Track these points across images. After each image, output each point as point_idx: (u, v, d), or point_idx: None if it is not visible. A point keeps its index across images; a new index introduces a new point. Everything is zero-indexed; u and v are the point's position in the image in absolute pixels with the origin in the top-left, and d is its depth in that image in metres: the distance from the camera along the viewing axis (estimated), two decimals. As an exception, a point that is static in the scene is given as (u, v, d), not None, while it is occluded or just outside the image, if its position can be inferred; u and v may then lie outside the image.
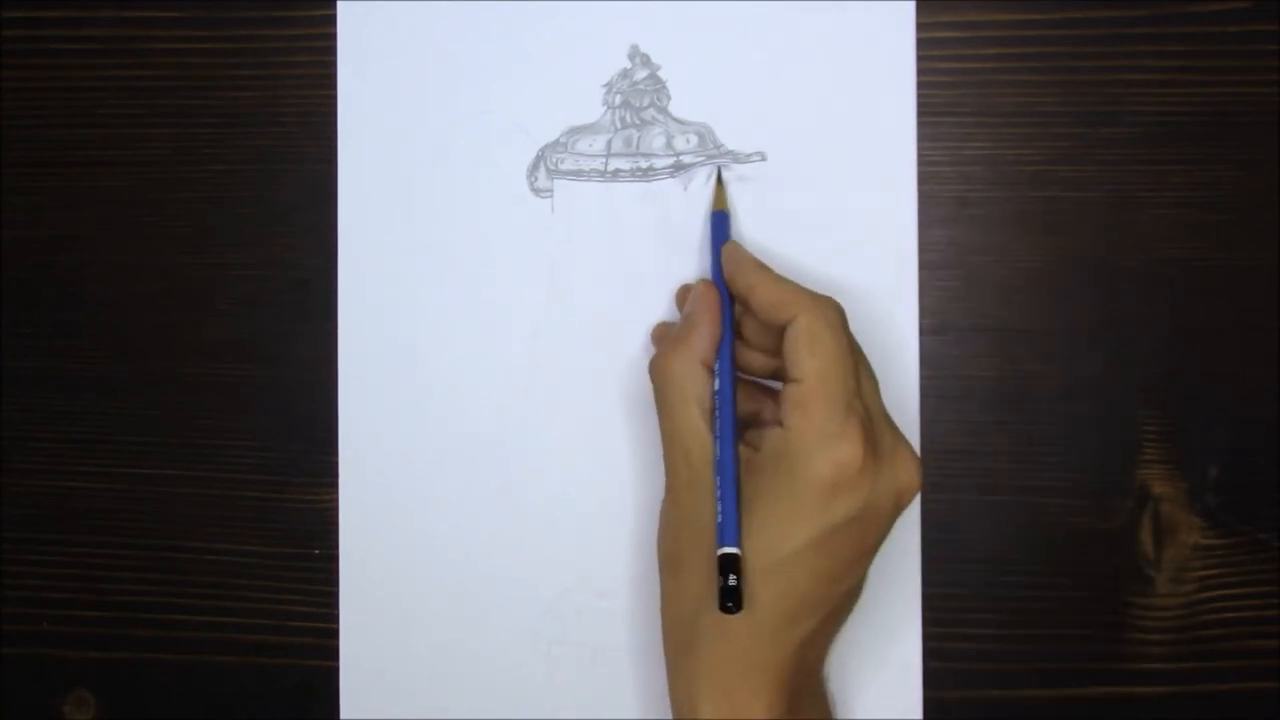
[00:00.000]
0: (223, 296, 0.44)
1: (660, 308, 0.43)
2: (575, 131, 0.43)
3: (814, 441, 0.34)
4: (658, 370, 0.38)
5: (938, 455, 0.42)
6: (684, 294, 0.41)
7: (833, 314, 0.36)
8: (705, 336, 0.38)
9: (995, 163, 0.43)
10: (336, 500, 0.44)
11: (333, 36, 0.44)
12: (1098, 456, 0.43)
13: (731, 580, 0.34)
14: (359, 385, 0.44)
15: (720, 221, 0.41)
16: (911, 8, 0.42)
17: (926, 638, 0.42)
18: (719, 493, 0.35)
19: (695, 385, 0.37)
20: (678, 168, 0.43)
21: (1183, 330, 0.42)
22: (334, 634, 0.44)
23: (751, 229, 0.42)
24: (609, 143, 0.43)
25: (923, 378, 0.42)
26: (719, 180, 0.42)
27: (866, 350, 0.38)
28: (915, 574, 0.42)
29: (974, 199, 0.43)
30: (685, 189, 0.43)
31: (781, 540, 0.34)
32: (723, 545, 0.34)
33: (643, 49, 0.43)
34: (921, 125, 0.42)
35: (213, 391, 0.44)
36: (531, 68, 0.43)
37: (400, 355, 0.43)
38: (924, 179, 0.42)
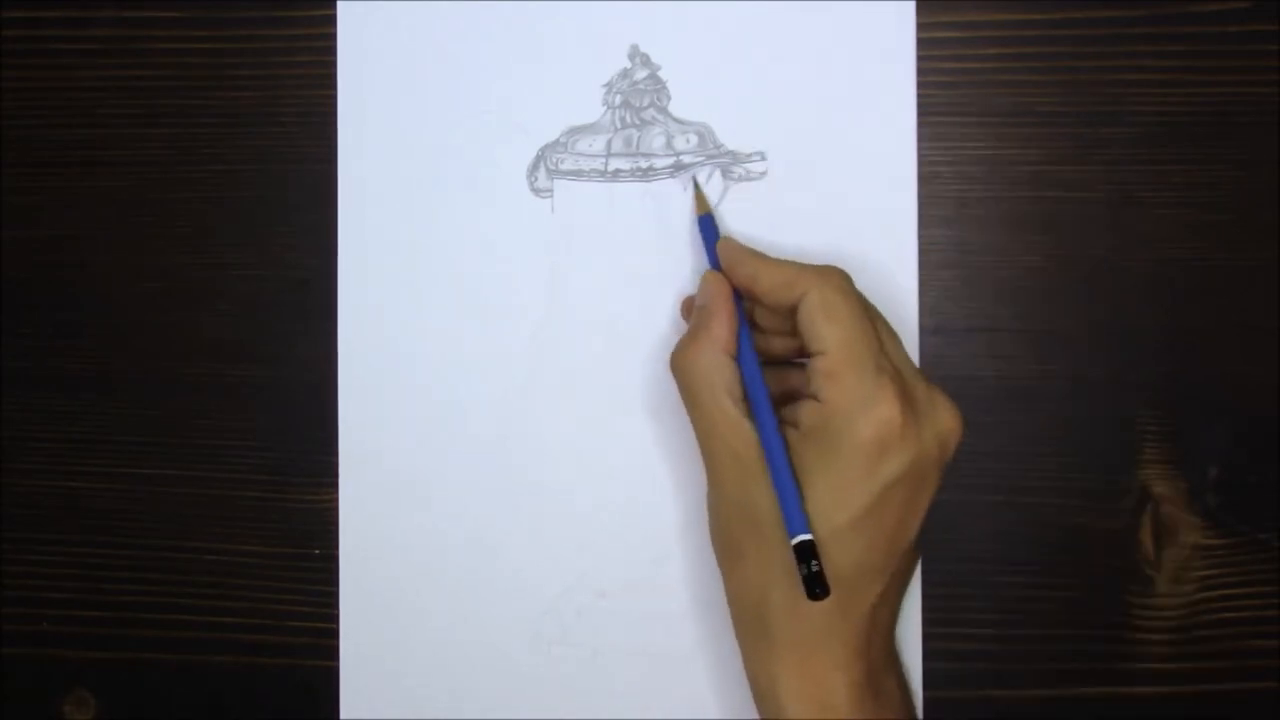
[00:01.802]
0: (223, 296, 0.44)
1: (660, 307, 0.43)
2: (575, 131, 0.43)
3: (851, 408, 0.35)
4: (682, 366, 0.38)
5: (938, 455, 0.42)
6: (689, 303, 0.41)
7: (841, 280, 0.36)
8: (724, 325, 0.37)
9: (995, 163, 0.43)
10: (336, 500, 0.44)
11: (333, 36, 0.44)
12: (1098, 456, 0.43)
13: (814, 566, 0.33)
14: (359, 385, 0.44)
15: (707, 224, 0.41)
16: (911, 8, 0.42)
17: (926, 638, 0.42)
18: (775, 480, 0.35)
19: (723, 375, 0.37)
20: (678, 168, 0.43)
21: (1183, 330, 0.42)
22: (334, 634, 0.44)
23: (751, 229, 0.42)
24: (609, 143, 0.43)
25: (923, 378, 0.42)
26: (696, 187, 0.42)
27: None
28: (915, 574, 0.42)
29: (974, 199, 0.43)
30: (685, 189, 0.43)
31: (836, 511, 0.35)
32: (795, 534, 0.34)
33: (643, 49, 0.43)
34: (921, 125, 0.42)
35: (213, 391, 0.44)
36: (531, 68, 0.43)
37: (400, 355, 0.43)
38: (924, 179, 0.42)
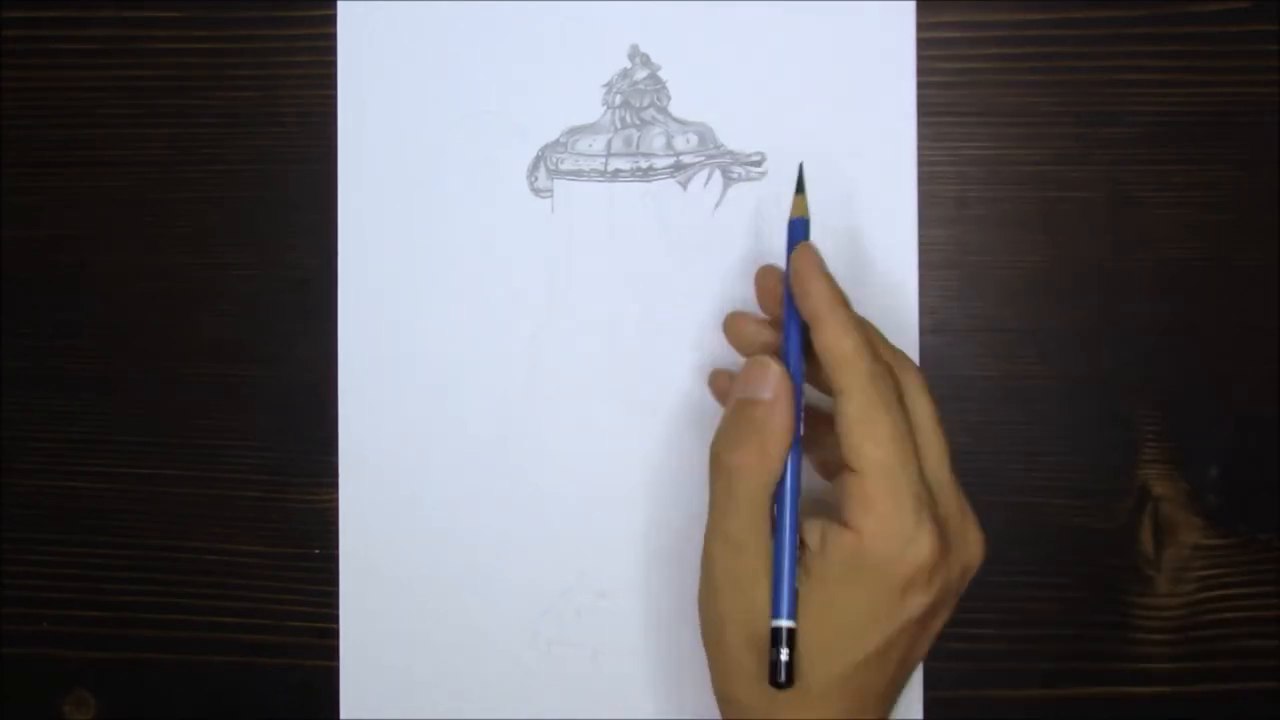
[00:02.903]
0: (223, 296, 0.44)
1: (659, 307, 0.43)
2: (575, 131, 0.43)
3: (887, 546, 0.32)
4: (728, 469, 0.34)
5: (938, 455, 0.42)
6: (721, 379, 0.39)
7: (888, 391, 0.33)
8: (785, 431, 0.34)
9: (995, 163, 0.43)
10: (336, 500, 0.44)
11: (333, 36, 0.44)
12: (1098, 456, 0.42)
13: (784, 655, 0.32)
14: (359, 385, 0.44)
15: (799, 229, 0.36)
16: (911, 8, 0.42)
17: (926, 638, 0.42)
18: (776, 568, 0.33)
19: (770, 484, 0.34)
20: (678, 168, 0.43)
21: (1183, 330, 0.42)
22: (334, 634, 0.44)
23: (751, 229, 0.42)
24: (609, 143, 0.43)
25: (923, 378, 0.42)
26: (799, 180, 0.37)
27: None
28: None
29: (974, 199, 0.43)
30: (685, 189, 0.43)
31: (857, 646, 0.33)
32: (777, 618, 0.33)
33: (643, 49, 0.43)
34: (921, 125, 0.42)
35: (213, 391, 0.44)
36: (531, 68, 0.43)
37: (400, 355, 0.43)
38: (924, 179, 0.42)
